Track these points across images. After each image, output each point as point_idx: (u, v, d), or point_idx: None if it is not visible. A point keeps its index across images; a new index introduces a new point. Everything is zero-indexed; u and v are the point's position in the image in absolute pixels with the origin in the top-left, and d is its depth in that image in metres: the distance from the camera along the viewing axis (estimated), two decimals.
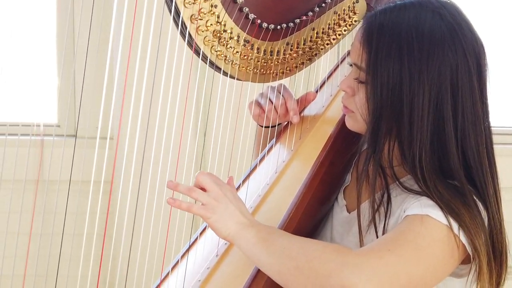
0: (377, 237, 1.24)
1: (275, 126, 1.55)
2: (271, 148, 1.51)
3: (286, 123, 1.55)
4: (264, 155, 1.49)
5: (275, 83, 1.51)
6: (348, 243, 1.32)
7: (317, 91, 1.58)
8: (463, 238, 1.16)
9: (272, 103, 1.49)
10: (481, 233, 1.18)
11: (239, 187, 1.44)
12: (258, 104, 1.50)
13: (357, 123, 1.31)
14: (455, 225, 1.16)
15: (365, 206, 1.31)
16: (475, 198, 1.21)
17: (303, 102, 1.53)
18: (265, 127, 1.54)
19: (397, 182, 1.26)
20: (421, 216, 1.17)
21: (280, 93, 1.49)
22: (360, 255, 1.13)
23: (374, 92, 1.22)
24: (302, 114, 1.53)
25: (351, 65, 1.31)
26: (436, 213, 1.17)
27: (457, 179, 1.22)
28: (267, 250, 1.16)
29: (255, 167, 1.48)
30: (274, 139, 1.53)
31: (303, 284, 1.12)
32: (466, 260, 1.21)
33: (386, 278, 1.09)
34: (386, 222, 1.26)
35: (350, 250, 1.16)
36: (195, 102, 2.46)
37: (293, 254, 1.14)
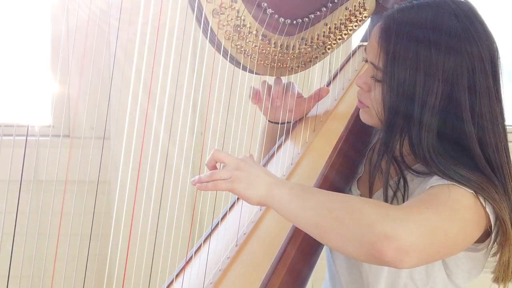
0: None
1: (283, 123, 1.55)
2: (286, 140, 1.53)
3: (294, 121, 1.57)
4: (281, 145, 1.51)
5: (281, 79, 1.51)
6: None
7: (328, 85, 1.61)
8: (488, 208, 1.19)
9: (270, 94, 1.49)
10: (507, 207, 1.21)
11: None
12: (256, 90, 1.51)
13: (372, 118, 1.33)
14: (480, 196, 1.19)
15: (379, 195, 1.34)
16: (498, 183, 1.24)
17: (316, 98, 1.55)
18: (274, 123, 1.54)
19: (409, 170, 1.29)
20: (447, 185, 1.19)
21: (283, 88, 1.50)
22: (401, 209, 1.13)
23: (391, 92, 1.24)
24: (315, 107, 1.56)
25: (366, 61, 1.34)
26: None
27: (484, 172, 1.23)
28: (304, 205, 1.14)
29: (272, 156, 1.50)
30: (290, 133, 1.55)
31: (342, 235, 1.11)
32: (480, 239, 1.23)
33: (426, 232, 1.10)
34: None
35: (390, 205, 1.18)
36: (192, 101, 2.48)
37: (333, 206, 1.13)
